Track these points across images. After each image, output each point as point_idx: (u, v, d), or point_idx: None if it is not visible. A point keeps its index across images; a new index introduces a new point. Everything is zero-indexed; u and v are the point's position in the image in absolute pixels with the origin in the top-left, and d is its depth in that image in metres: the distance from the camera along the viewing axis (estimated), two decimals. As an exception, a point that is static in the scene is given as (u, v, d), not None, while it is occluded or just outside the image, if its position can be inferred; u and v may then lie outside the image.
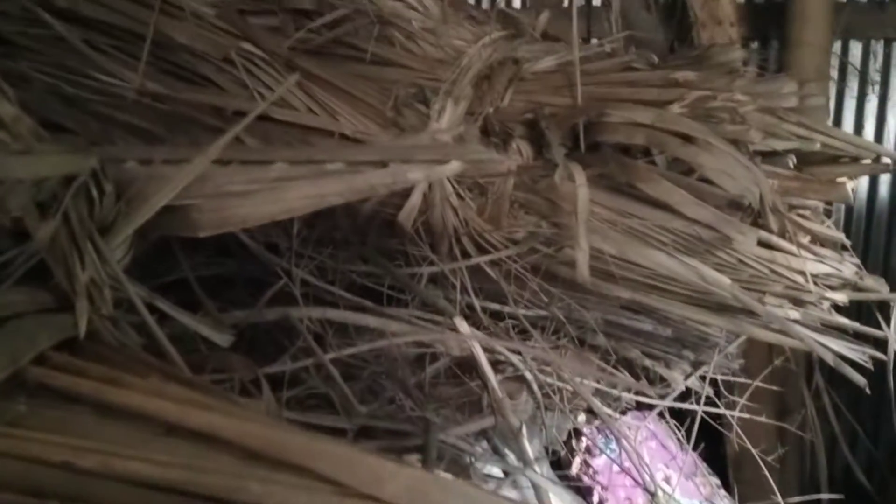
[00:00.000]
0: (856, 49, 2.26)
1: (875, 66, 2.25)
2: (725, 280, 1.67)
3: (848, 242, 1.84)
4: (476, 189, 1.76)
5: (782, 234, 1.70)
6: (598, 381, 1.83)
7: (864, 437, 2.02)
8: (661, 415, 1.98)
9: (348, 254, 1.74)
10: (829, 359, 1.58)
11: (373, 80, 1.84)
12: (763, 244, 1.68)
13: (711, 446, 2.07)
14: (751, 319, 1.67)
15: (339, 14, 1.83)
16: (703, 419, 1.93)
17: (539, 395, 1.71)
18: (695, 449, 2.01)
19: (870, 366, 1.67)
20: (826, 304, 1.73)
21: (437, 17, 1.94)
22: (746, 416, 1.87)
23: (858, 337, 1.80)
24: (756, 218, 1.69)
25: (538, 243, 1.70)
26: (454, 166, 1.11)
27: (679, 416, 2.01)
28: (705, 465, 2.02)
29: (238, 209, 1.02)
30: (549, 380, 1.75)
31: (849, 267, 1.73)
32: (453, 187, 1.73)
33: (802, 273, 1.67)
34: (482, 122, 1.79)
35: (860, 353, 1.66)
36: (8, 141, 0.84)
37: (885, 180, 2.25)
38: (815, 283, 1.68)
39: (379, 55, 1.86)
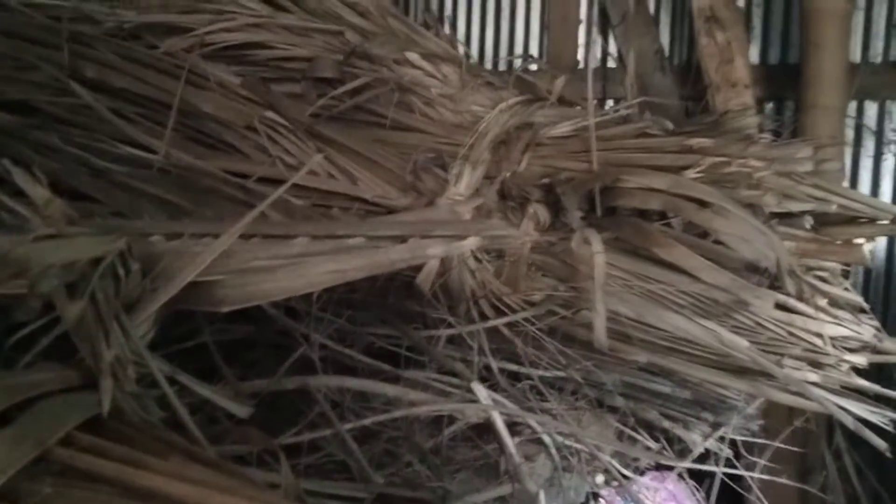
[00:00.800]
0: (871, 110, 2.28)
1: (891, 126, 2.26)
2: (743, 343, 1.67)
3: (866, 305, 1.83)
4: (493, 252, 1.78)
5: (800, 297, 1.70)
6: (616, 443, 1.82)
7: (888, 498, 1.98)
8: (680, 476, 1.96)
9: (367, 316, 1.76)
10: (849, 422, 1.57)
11: (392, 145, 1.89)
12: (781, 307, 1.69)
13: (736, 507, 2.05)
14: (769, 382, 1.67)
15: (360, 82, 1.89)
16: (723, 480, 1.92)
17: (556, 457, 1.71)
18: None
19: (891, 428, 1.65)
20: (845, 367, 1.72)
21: (456, 83, 1.99)
22: (767, 477, 1.85)
23: (880, 399, 1.79)
24: (773, 281, 1.70)
25: (555, 305, 1.72)
26: (472, 242, 1.14)
27: (699, 477, 2.00)
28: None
29: (261, 284, 1.05)
30: (567, 442, 1.75)
31: (867, 329, 1.73)
32: (471, 251, 1.76)
33: (820, 335, 1.66)
34: (500, 187, 1.82)
35: (881, 416, 1.64)
36: (40, 224, 0.88)
37: (903, 239, 2.25)
38: (834, 346, 1.67)
39: (398, 121, 1.91)
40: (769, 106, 2.38)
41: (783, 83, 2.28)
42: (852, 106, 2.29)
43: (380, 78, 1.89)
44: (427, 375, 1.69)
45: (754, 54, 2.38)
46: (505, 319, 1.72)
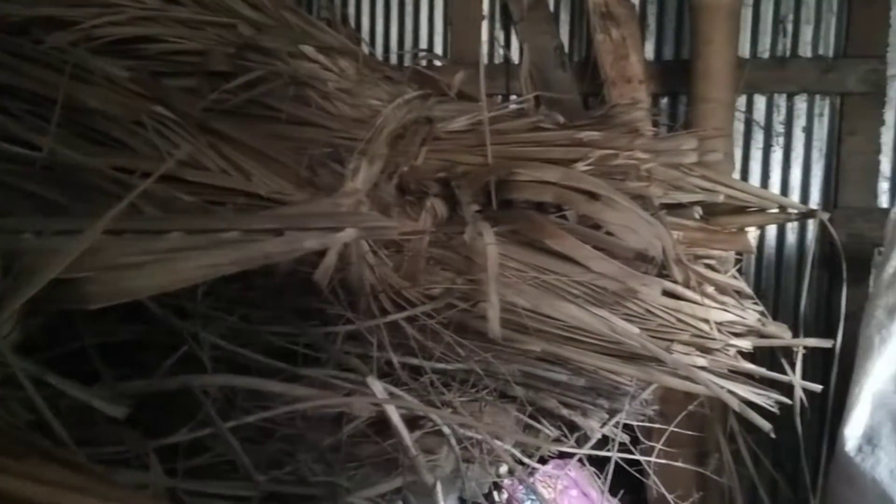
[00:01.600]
0: (760, 103, 2.37)
1: (778, 119, 2.36)
2: (634, 330, 1.71)
3: (750, 291, 1.90)
4: (392, 247, 1.78)
5: (687, 284, 1.76)
6: (518, 433, 1.84)
7: (782, 479, 2.06)
8: (581, 462, 2.00)
9: (265, 314, 1.74)
10: (735, 404, 1.63)
11: (288, 139, 1.87)
12: (669, 294, 1.74)
13: (635, 492, 2.10)
14: (659, 367, 1.72)
15: (253, 75, 1.86)
16: (624, 465, 1.97)
17: (458, 449, 1.72)
18: (615, 495, 2.04)
19: (776, 410, 1.73)
20: (732, 351, 1.78)
21: (353, 77, 1.98)
22: (664, 461, 1.90)
23: (767, 382, 1.86)
24: (661, 269, 1.75)
25: (454, 299, 1.73)
26: (350, 233, 1.13)
27: (601, 463, 2.04)
28: (627, 511, 2.05)
29: (131, 281, 1.02)
30: (468, 433, 1.76)
31: (752, 314, 1.80)
32: (370, 245, 1.75)
33: (707, 321, 1.72)
34: (398, 181, 1.82)
35: (766, 398, 1.71)
36: None
37: (792, 228, 2.34)
38: (720, 331, 1.73)
39: (295, 115, 1.89)
40: (664, 101, 2.45)
41: (677, 78, 2.35)
42: (742, 100, 2.37)
43: (274, 71, 1.87)
44: (325, 373, 1.68)
45: (649, 51, 2.44)
46: (404, 314, 1.73)
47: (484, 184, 1.74)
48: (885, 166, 2.27)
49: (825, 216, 1.96)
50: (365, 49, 2.53)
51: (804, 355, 2.01)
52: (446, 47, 2.64)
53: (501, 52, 2.58)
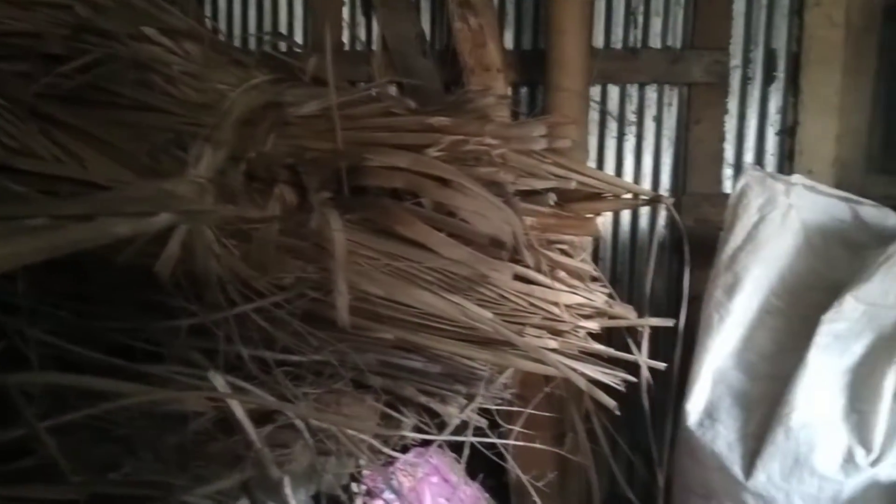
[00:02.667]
0: (613, 93, 2.44)
1: (631, 108, 2.43)
2: (487, 314, 1.72)
3: (598, 273, 1.95)
4: (240, 236, 1.73)
5: (538, 269, 1.78)
6: (376, 423, 1.83)
7: (631, 456, 2.12)
8: (442, 449, 2.00)
9: (102, 309, 1.65)
10: (582, 384, 1.67)
11: (129, 126, 1.77)
12: (521, 279, 1.76)
13: (497, 475, 2.12)
14: (513, 351, 1.74)
15: (90, 58, 1.76)
16: (485, 450, 1.99)
17: (312, 442, 1.68)
18: (476, 479, 2.06)
19: (623, 388, 1.78)
20: (582, 333, 1.83)
21: (200, 60, 1.91)
22: (521, 443, 1.93)
23: (620, 362, 1.92)
24: (514, 254, 1.77)
25: (306, 288, 1.69)
26: (165, 218, 1.08)
27: (461, 449, 2.06)
28: (488, 495, 2.07)
29: (-82, 272, 0.94)
30: (324, 426, 1.73)
31: (600, 296, 1.84)
32: (215, 235, 1.69)
33: (557, 304, 1.75)
34: (245, 167, 1.76)
35: (613, 377, 1.76)
36: None
37: (645, 214, 2.42)
38: (570, 313, 1.77)
39: (136, 100, 1.80)
40: (524, 90, 2.48)
41: (536, 68, 2.37)
42: (598, 90, 2.43)
43: (113, 54, 1.77)
44: (167, 369, 1.61)
45: (508, 40, 2.47)
46: (253, 305, 1.68)
47: (335, 170, 1.71)
48: (728, 154, 2.38)
49: (669, 201, 2.03)
50: (217, 32, 2.45)
51: (658, 336, 2.08)
52: (306, 33, 2.59)
53: (363, 38, 2.55)
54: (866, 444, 1.60)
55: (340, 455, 1.76)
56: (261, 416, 1.68)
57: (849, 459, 1.60)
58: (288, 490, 1.48)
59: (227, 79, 1.88)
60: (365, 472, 1.87)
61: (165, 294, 1.67)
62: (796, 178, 1.96)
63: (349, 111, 1.80)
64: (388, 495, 1.84)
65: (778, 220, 1.90)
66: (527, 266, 1.76)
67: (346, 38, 2.57)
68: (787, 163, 2.32)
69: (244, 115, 1.79)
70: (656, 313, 2.06)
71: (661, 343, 2.08)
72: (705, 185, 2.37)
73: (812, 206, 1.94)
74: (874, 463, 1.59)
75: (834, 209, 1.97)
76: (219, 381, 1.48)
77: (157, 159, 1.71)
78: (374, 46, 2.53)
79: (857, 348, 1.70)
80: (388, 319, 1.68)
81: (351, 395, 1.82)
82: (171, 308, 1.67)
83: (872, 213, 1.98)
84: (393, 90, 2.43)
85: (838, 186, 2.10)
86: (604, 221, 2.20)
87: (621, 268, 2.44)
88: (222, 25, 2.63)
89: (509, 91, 2.38)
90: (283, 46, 2.57)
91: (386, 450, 1.83)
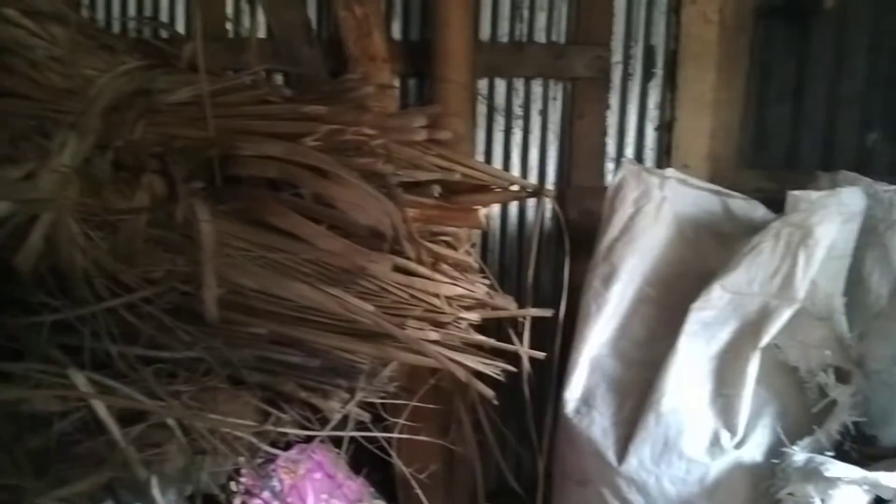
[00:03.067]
0: (500, 87, 2.45)
1: (517, 102, 2.45)
2: (367, 307, 1.71)
3: (479, 265, 1.97)
4: (107, 228, 1.65)
5: (420, 261, 1.78)
6: (254, 420, 1.79)
7: (517, 446, 2.14)
8: (328, 445, 1.98)
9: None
10: (462, 375, 1.67)
11: (-13, 112, 1.68)
12: (401, 270, 1.75)
13: (386, 470, 2.11)
14: (394, 343, 1.73)
15: (-59, 39, 1.66)
16: (370, 444, 1.97)
17: (184, 440, 1.63)
18: (361, 474, 2.04)
19: (503, 379, 1.80)
20: (465, 324, 1.83)
21: (66, 45, 1.82)
22: (406, 436, 1.93)
23: (502, 353, 1.94)
24: (394, 245, 1.76)
25: (176, 282, 1.64)
26: (2, 207, 1.02)
27: (350, 444, 2.04)
28: (374, 489, 2.06)
29: None
30: (198, 424, 1.68)
31: (481, 288, 1.86)
32: (80, 227, 1.62)
33: (438, 296, 1.75)
34: (113, 156, 1.69)
35: (493, 367, 1.78)
36: None
37: (531, 207, 2.44)
38: (451, 305, 1.77)
39: (-2, 85, 1.70)
40: (412, 81, 2.47)
41: (424, 59, 2.36)
42: (485, 83, 2.44)
43: (-32, 36, 1.67)
44: (28, 367, 1.53)
45: (397, 30, 2.45)
46: (120, 300, 1.61)
47: (207, 159, 1.66)
48: (610, 148, 2.42)
49: (550, 194, 2.06)
50: (91, 17, 2.34)
51: (544, 327, 2.11)
52: (188, 19, 2.50)
53: (248, 26, 2.48)
54: (731, 427, 1.66)
55: (216, 454, 1.71)
56: (133, 416, 1.62)
57: (714, 442, 1.66)
58: (156, 490, 1.44)
59: (96, 64, 1.80)
60: (243, 470, 1.83)
61: (27, 289, 1.59)
62: (670, 171, 2.02)
63: (222, 99, 1.76)
64: (266, 494, 1.80)
65: (652, 213, 1.95)
66: (407, 258, 1.75)
67: (229, 26, 2.49)
68: (665, 157, 2.39)
69: (112, 101, 1.72)
70: (544, 304, 2.09)
71: (548, 333, 2.09)
72: (588, 179, 2.42)
73: (684, 199, 2.00)
74: (738, 445, 1.65)
75: (705, 202, 2.04)
76: (79, 379, 1.42)
77: (18, 147, 1.62)
78: (260, 35, 2.47)
79: (724, 335, 1.76)
80: (262, 313, 1.65)
81: (227, 392, 1.77)
82: (33, 304, 1.60)
83: (741, 205, 2.06)
84: (278, 79, 2.39)
85: (712, 180, 2.17)
86: (490, 214, 2.21)
87: (510, 260, 2.47)
88: (100, 11, 2.52)
89: (396, 82, 2.36)
90: (163, 34, 2.47)
91: (265, 447, 1.79)
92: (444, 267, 1.85)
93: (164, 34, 2.34)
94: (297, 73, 2.37)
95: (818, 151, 2.41)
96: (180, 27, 2.50)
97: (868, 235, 1.96)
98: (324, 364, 1.77)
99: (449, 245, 1.93)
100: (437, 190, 1.98)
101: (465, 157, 2.07)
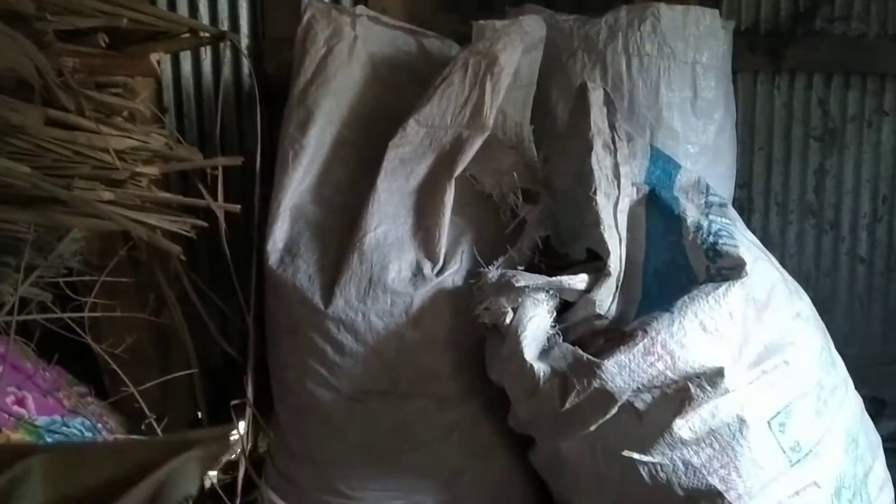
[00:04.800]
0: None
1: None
2: (24, 169, 1.49)
3: (161, 116, 1.79)
4: None
5: (82, 113, 1.57)
6: None
7: (224, 307, 2.03)
8: (6, 334, 1.75)
9: None
10: (143, 234, 1.53)
11: None
12: (58, 124, 1.54)
13: (83, 357, 1.92)
14: (62, 208, 1.53)
15: None
16: (62, 329, 1.78)
17: None
18: (58, 361, 1.86)
19: (193, 235, 1.67)
20: (146, 182, 1.67)
21: None
22: (98, 314, 1.76)
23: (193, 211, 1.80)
24: (46, 95, 1.53)
25: None
26: None
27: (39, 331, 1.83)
28: (72, 376, 1.88)
29: None
30: None
31: (158, 139, 1.69)
32: None
33: (108, 150, 1.57)
34: None
35: (181, 224, 1.64)
36: None
37: (227, 58, 2.25)
38: (125, 160, 1.60)
39: None
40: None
41: None
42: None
43: None
44: None
45: None
46: None
47: None
48: None
49: (235, 38, 1.90)
50: None
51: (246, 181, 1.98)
52: None
53: None
54: (432, 256, 1.68)
55: None
56: None
57: (417, 272, 1.67)
58: None
59: None
60: None
61: None
62: (360, 9, 1.94)
63: None
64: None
65: (345, 52, 1.87)
66: (65, 109, 1.53)
67: None
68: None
69: None
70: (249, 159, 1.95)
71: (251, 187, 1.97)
72: (286, 29, 2.25)
73: (378, 39, 1.94)
74: (439, 273, 1.68)
75: (400, 41, 1.99)
76: None
77: None
78: None
79: (421, 170, 1.76)
80: None
81: None
82: None
83: (437, 45, 2.04)
84: None
85: (410, 22, 2.12)
86: (162, 61, 2.00)
87: (197, 111, 2.28)
88: None
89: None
90: None
91: None
92: (118, 120, 1.66)
93: None
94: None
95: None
96: None
97: (553, 68, 2.04)
98: (-23, 240, 1.54)
99: (119, 96, 1.72)
100: (104, 38, 1.75)
101: (134, 2, 1.84)
